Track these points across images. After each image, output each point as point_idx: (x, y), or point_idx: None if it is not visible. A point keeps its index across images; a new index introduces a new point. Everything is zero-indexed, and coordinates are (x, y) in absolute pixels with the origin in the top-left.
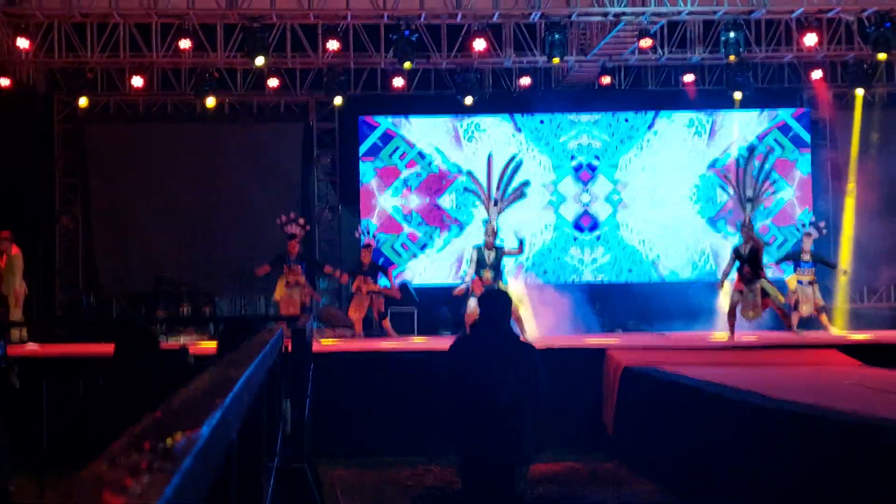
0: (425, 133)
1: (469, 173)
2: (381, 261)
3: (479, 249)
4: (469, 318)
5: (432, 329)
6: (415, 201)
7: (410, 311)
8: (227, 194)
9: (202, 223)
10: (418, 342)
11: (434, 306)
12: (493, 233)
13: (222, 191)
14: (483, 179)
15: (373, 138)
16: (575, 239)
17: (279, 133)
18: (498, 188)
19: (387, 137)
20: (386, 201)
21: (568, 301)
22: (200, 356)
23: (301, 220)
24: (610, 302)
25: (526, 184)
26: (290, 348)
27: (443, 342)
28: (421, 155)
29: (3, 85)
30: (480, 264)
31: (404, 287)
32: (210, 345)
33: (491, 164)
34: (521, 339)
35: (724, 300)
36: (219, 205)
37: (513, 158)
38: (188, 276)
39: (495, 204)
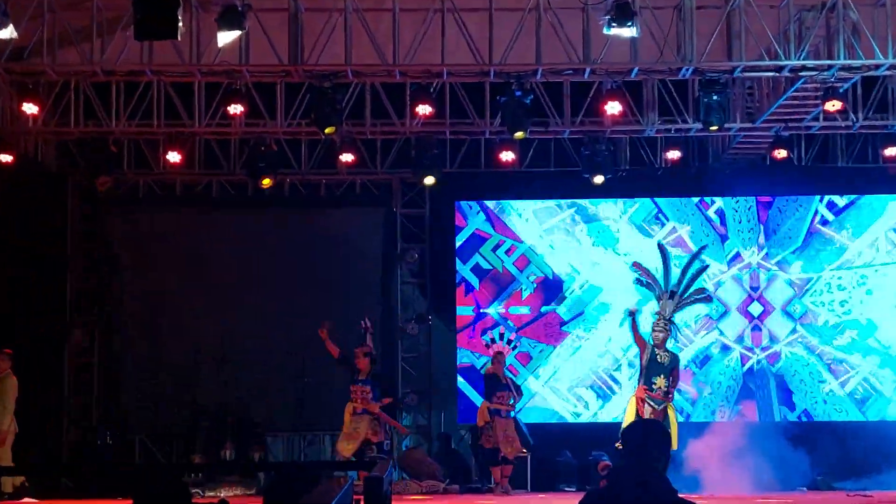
0: (539, 223)
1: (635, 263)
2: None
3: (652, 347)
4: (603, 467)
5: (550, 482)
6: (522, 310)
7: (522, 458)
8: (285, 303)
9: (252, 342)
10: (533, 501)
11: (552, 451)
12: (665, 328)
13: (280, 298)
14: (654, 267)
15: (471, 228)
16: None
17: (353, 222)
18: (680, 282)
19: (489, 228)
20: (492, 310)
21: (729, 441)
22: None
23: (368, 323)
24: (794, 446)
25: (705, 294)
26: None
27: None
28: (533, 252)
29: (3, 161)
30: (653, 369)
31: (515, 423)
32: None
33: (665, 252)
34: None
35: None
36: (274, 316)
37: (701, 250)
38: (234, 407)
39: (671, 297)
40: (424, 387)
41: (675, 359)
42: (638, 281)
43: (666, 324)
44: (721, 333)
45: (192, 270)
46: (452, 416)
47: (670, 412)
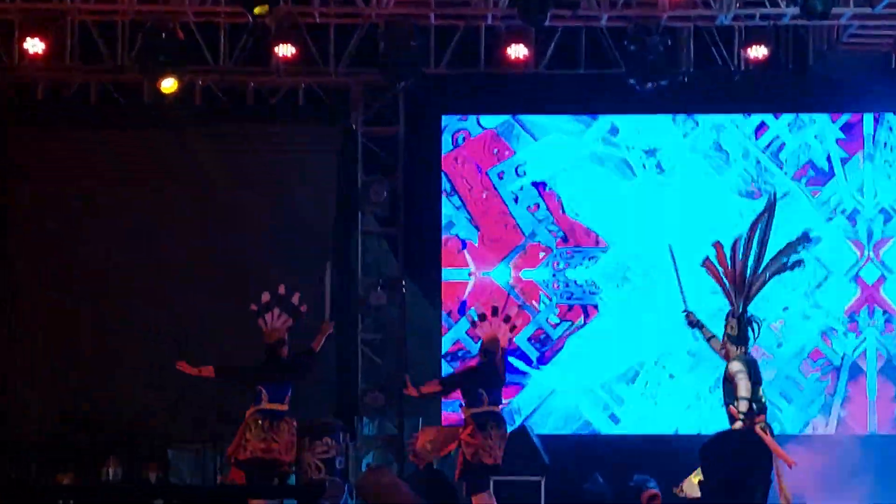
0: (562, 149)
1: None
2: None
3: (747, 363)
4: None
5: None
6: (539, 274)
7: (534, 483)
8: (193, 260)
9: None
10: None
11: (576, 474)
12: (742, 336)
13: (185, 253)
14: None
15: (464, 155)
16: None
17: (294, 145)
18: (758, 262)
19: (492, 156)
20: (496, 273)
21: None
22: None
23: (295, 298)
24: None
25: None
26: None
27: None
28: (548, 190)
29: None
30: (754, 384)
31: (523, 433)
32: None
33: (767, 219)
34: None
35: None
36: (176, 279)
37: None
38: (122, 410)
39: (746, 289)
40: (395, 382)
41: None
42: (707, 266)
43: (737, 326)
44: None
45: (57, 212)
46: (434, 422)
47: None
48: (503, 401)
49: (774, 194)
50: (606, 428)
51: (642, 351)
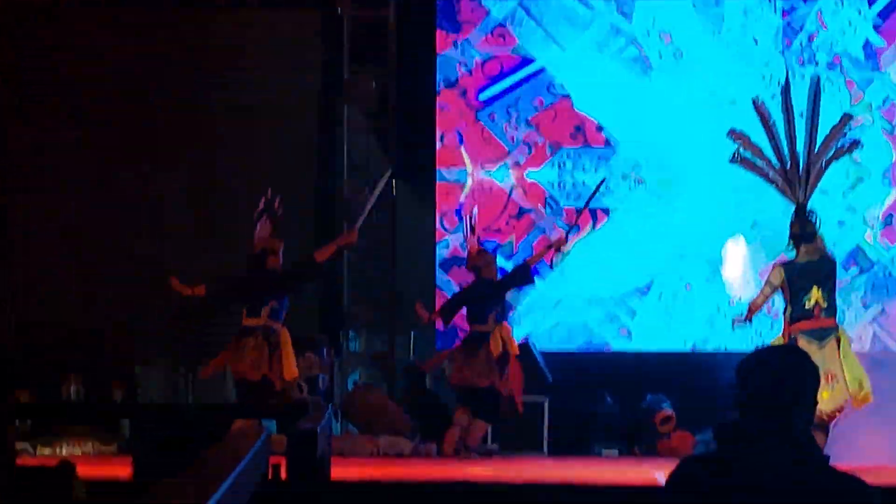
0: (573, 39)
1: (733, 132)
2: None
3: (789, 265)
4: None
5: (579, 443)
6: (545, 174)
7: (537, 403)
8: (159, 163)
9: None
10: (551, 472)
11: (583, 395)
12: (807, 232)
13: (149, 158)
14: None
15: (465, 44)
16: None
17: (270, 30)
18: (811, 146)
19: (498, 43)
20: (489, 174)
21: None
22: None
23: (276, 203)
24: None
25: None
26: (283, 475)
27: (618, 472)
28: (565, 87)
29: None
30: (798, 284)
31: (524, 349)
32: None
33: (814, 104)
34: (840, 470)
35: None
36: (150, 181)
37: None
38: (85, 322)
39: (802, 171)
40: (384, 294)
41: (827, 263)
42: (741, 160)
43: (802, 222)
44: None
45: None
46: (429, 338)
47: (842, 342)
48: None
49: (818, 79)
50: (617, 343)
51: (657, 259)
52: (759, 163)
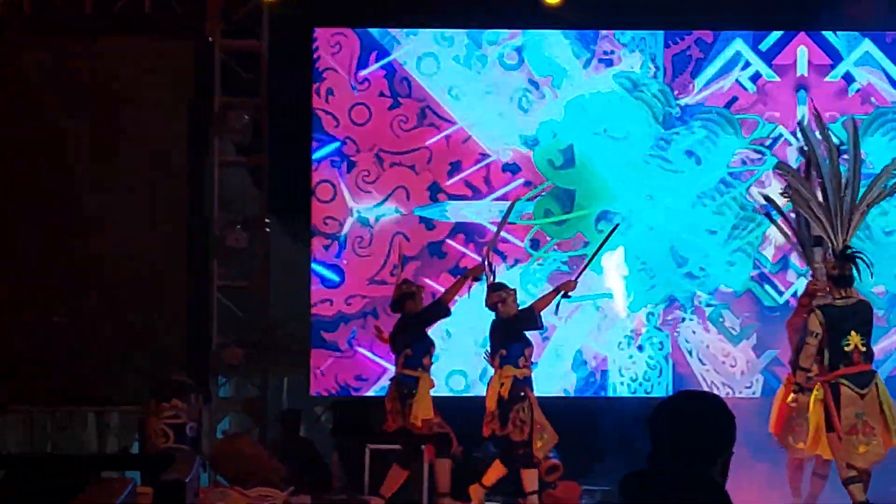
0: (449, 68)
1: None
2: None
3: (828, 308)
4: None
5: (463, 491)
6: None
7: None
8: (24, 188)
9: None
10: None
11: (469, 440)
12: (847, 275)
13: (15, 184)
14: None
15: (344, 76)
16: None
17: (139, 62)
18: (854, 187)
19: (381, 80)
20: (368, 209)
21: None
22: None
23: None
24: None
25: None
26: None
27: None
28: (433, 112)
29: None
30: (835, 336)
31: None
32: None
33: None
34: None
35: None
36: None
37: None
38: None
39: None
40: (256, 335)
41: (865, 307)
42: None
43: (843, 265)
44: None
45: None
46: (302, 383)
47: (881, 389)
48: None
49: (858, 121)
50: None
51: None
52: (812, 203)
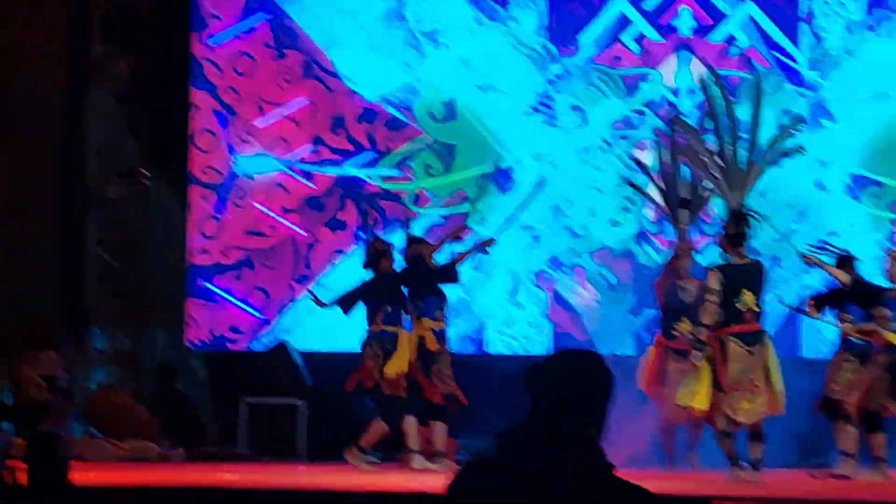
0: (335, 21)
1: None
2: None
3: (724, 268)
4: None
5: (341, 449)
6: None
7: (291, 405)
8: None
9: None
10: (305, 478)
11: (342, 394)
12: (743, 233)
13: None
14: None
15: (231, 30)
16: None
17: (15, 10)
18: (753, 148)
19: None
20: (250, 161)
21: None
22: None
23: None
24: None
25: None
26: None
27: (378, 478)
28: (318, 66)
29: None
30: (728, 295)
31: (281, 351)
32: None
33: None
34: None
35: None
36: None
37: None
38: None
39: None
40: (132, 287)
41: (758, 266)
42: (688, 156)
43: (739, 223)
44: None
45: None
46: (178, 336)
47: (769, 349)
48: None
49: (759, 75)
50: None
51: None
52: (702, 156)
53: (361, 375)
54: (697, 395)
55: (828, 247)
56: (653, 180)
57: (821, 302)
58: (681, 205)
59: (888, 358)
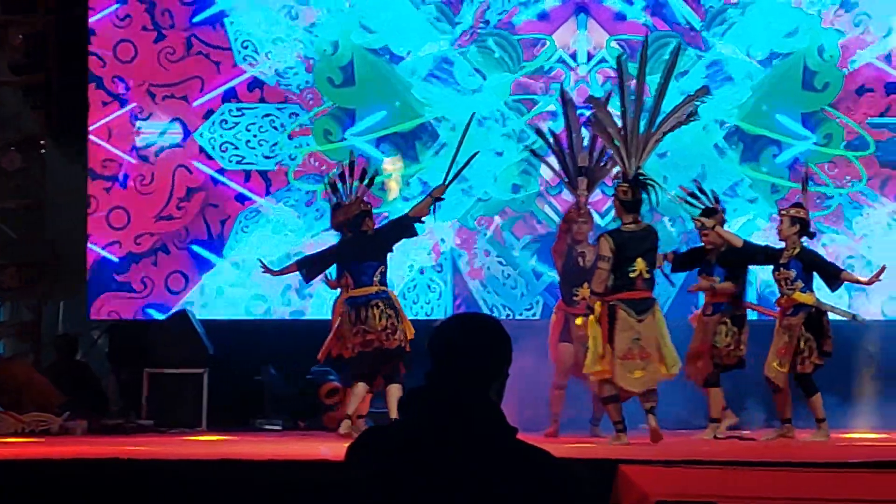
0: None
1: (597, 100)
2: None
3: (616, 233)
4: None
5: (240, 415)
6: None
7: (196, 374)
8: None
9: None
10: (208, 447)
11: (247, 365)
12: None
13: None
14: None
15: None
16: None
17: None
18: (654, 115)
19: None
20: (145, 146)
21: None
22: None
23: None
24: None
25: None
26: None
27: (280, 446)
28: (199, 40)
29: None
30: (620, 261)
31: (182, 319)
32: None
33: (669, 68)
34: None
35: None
36: None
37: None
38: None
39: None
40: (34, 258)
41: (652, 233)
42: (596, 127)
43: (633, 190)
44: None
45: None
46: (79, 306)
47: (658, 316)
48: None
49: (679, 45)
50: (285, 312)
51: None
52: (611, 130)
53: (337, 345)
54: (600, 363)
55: (699, 193)
56: (552, 148)
57: (683, 259)
58: (579, 173)
59: (802, 317)
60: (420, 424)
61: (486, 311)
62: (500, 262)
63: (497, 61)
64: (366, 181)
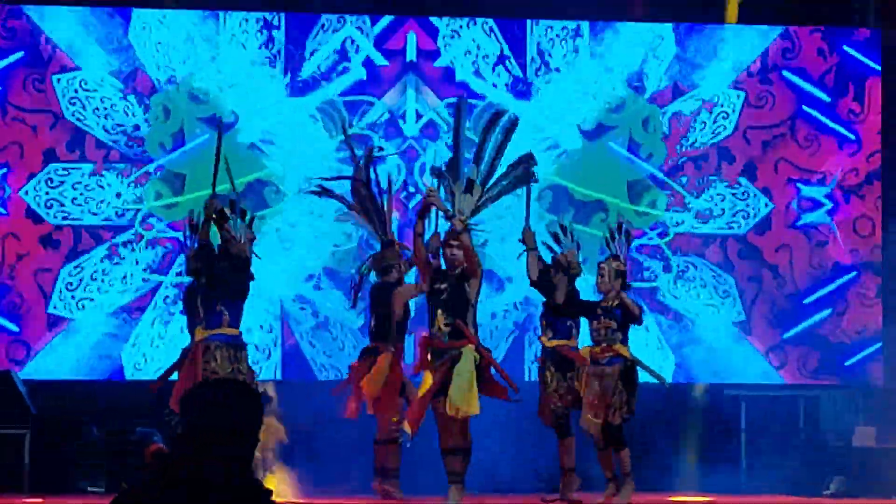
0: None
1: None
2: None
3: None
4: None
5: (59, 479)
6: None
7: (18, 435)
8: None
9: None
10: None
11: (68, 424)
12: (461, 227)
13: None
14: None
15: None
16: None
17: None
18: (479, 158)
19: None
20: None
21: None
22: None
23: None
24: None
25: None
26: None
27: None
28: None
29: None
30: (435, 296)
31: (4, 378)
32: None
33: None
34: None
35: None
36: None
37: (502, 114)
38: None
39: (470, 188)
40: None
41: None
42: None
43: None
44: None
45: None
46: None
47: (463, 360)
48: None
49: (502, 112)
50: (123, 372)
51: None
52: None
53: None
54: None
55: (560, 236)
56: (360, 211)
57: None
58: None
59: (618, 368)
60: (167, 485)
61: (315, 370)
62: (324, 323)
63: (320, 125)
64: (247, 220)
